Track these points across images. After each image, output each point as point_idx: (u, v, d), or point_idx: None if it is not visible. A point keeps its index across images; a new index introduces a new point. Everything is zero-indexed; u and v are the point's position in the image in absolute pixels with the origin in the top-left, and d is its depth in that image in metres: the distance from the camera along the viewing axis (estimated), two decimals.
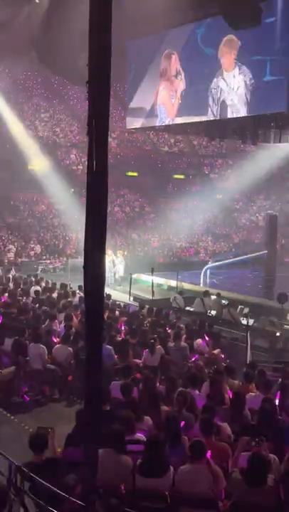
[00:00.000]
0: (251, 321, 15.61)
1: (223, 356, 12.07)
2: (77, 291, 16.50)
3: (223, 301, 18.43)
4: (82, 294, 14.78)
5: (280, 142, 24.09)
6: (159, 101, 22.77)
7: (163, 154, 44.59)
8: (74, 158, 39.07)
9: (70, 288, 17.69)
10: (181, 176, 43.74)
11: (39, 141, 37.34)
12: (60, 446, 6.16)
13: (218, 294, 19.12)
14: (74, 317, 12.89)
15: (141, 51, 23.45)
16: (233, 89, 19.04)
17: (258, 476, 5.03)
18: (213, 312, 17.76)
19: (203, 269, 25.69)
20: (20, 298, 15.60)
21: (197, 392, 8.16)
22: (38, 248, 31.31)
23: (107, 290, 19.52)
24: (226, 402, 7.81)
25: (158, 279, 24.00)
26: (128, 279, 22.11)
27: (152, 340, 10.78)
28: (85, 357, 4.59)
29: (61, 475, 5.45)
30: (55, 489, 4.72)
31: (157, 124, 23.27)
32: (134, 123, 24.96)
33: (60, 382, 10.53)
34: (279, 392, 8.33)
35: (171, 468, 5.44)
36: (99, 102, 4.26)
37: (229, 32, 16.78)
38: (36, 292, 16.28)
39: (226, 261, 28.08)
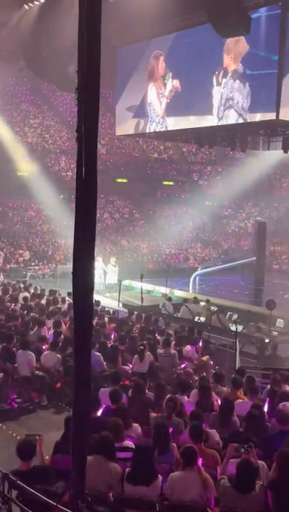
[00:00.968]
0: (240, 328, 15.64)
1: (212, 363, 12.08)
2: (67, 297, 16.46)
3: (212, 308, 18.47)
4: (71, 301, 14.74)
5: (268, 149, 24.31)
6: (148, 100, 22.97)
7: (152, 161, 44.69)
8: (63, 165, 39.04)
9: (59, 294, 17.63)
10: (171, 183, 43.85)
11: (28, 147, 37.31)
12: (49, 454, 6.13)
13: (207, 301, 19.17)
14: (63, 323, 12.85)
15: (130, 56, 23.61)
16: (226, 91, 19.22)
17: (246, 483, 5.03)
18: (202, 318, 17.80)
19: (193, 276, 25.74)
20: (9, 304, 15.52)
21: (186, 398, 8.16)
22: (26, 254, 31.19)
23: (97, 297, 19.56)
24: (215, 408, 7.82)
25: (149, 286, 24.04)
26: (122, 285, 22.10)
27: (141, 347, 10.77)
28: (74, 363, 4.57)
29: (49, 483, 5.42)
30: (43, 497, 4.68)
31: (148, 124, 23.38)
32: (124, 126, 25.08)
33: (49, 389, 10.48)
34: (268, 398, 8.36)
35: (160, 476, 5.43)
36: (88, 109, 4.26)
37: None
38: (25, 298, 16.22)
39: (215, 267, 28.13)
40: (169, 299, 19.65)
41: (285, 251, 38.23)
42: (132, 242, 36.60)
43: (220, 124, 19.90)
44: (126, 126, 25.07)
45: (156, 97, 22.54)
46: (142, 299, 19.63)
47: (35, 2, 23.51)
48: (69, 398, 9.70)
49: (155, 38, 22.10)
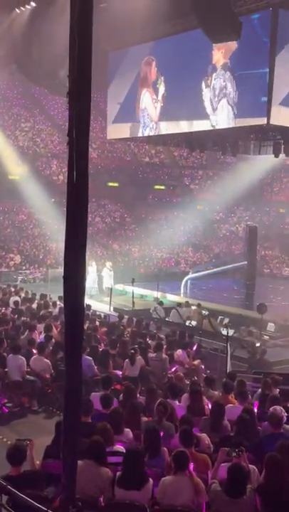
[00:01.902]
0: (231, 332, 15.67)
1: (203, 367, 12.09)
2: (58, 301, 16.42)
3: (204, 312, 18.50)
4: (62, 305, 14.71)
5: (259, 154, 24.42)
6: (141, 106, 23.00)
7: (144, 165, 44.73)
8: (54, 168, 39.00)
9: (50, 298, 17.59)
10: (162, 187, 43.89)
11: (19, 150, 37.25)
12: (39, 459, 6.10)
13: (198, 305, 19.19)
14: (54, 328, 12.81)
15: (121, 60, 23.69)
16: (217, 95, 19.29)
17: (237, 487, 5.02)
18: (194, 322, 17.82)
19: (184, 280, 25.75)
20: None
21: (177, 402, 8.15)
22: (17, 258, 31.09)
23: (92, 302, 19.54)
24: (206, 412, 7.82)
25: (142, 290, 24.03)
26: (117, 289, 22.07)
27: (132, 351, 10.76)
28: (65, 368, 4.56)
29: (40, 488, 5.39)
30: (33, 502, 4.66)
31: (140, 129, 23.43)
32: (116, 130, 25.13)
33: (40, 394, 10.44)
34: (257, 401, 8.37)
35: (151, 480, 5.42)
36: (79, 113, 4.26)
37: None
38: (16, 303, 16.17)
39: (207, 272, 28.16)
40: (161, 303, 19.65)
41: (275, 255, 38.37)
42: (124, 246, 36.59)
43: (213, 123, 19.89)
44: (117, 130, 25.10)
45: (151, 102, 22.59)
46: (133, 303, 19.62)
47: (26, 6, 23.48)
48: (60, 403, 9.67)
49: (146, 43, 22.16)
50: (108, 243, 36.28)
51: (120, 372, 10.57)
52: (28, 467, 5.62)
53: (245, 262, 23.12)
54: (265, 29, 17.36)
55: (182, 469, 5.37)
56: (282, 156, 21.73)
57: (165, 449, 6.19)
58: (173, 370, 11.18)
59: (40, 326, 13.05)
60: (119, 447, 6.18)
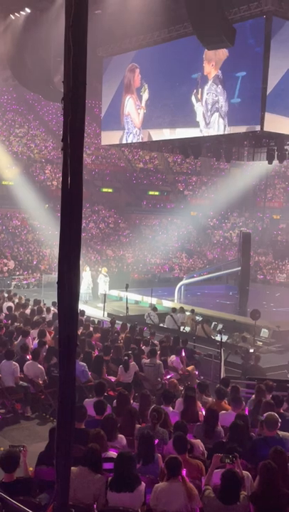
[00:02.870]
0: (225, 338, 15.68)
1: (197, 373, 12.08)
2: (51, 307, 16.39)
3: (197, 318, 18.50)
4: (56, 310, 14.69)
5: (253, 160, 24.51)
6: (125, 112, 23.15)
7: (138, 171, 44.80)
8: (49, 174, 38.99)
9: (44, 304, 17.56)
10: (156, 193, 43.95)
11: (13, 156, 37.25)
12: (33, 465, 6.07)
13: (192, 311, 19.19)
14: (47, 333, 12.78)
15: (115, 66, 23.81)
16: (210, 110, 19.39)
17: (230, 494, 5.01)
18: (187, 328, 17.81)
19: (178, 286, 25.76)
20: None
21: (171, 408, 8.14)
22: (11, 264, 31.01)
23: (87, 307, 19.53)
24: (200, 418, 7.81)
25: (137, 296, 24.03)
26: (112, 295, 22.01)
27: (126, 357, 10.75)
28: (58, 374, 4.55)
29: (33, 494, 5.37)
30: (26, 509, 4.64)
31: (124, 136, 23.56)
32: (110, 135, 25.21)
33: (33, 400, 10.40)
34: (247, 408, 8.37)
35: (143, 483, 5.40)
36: (74, 119, 4.27)
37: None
38: (9, 308, 16.11)
39: (200, 277, 28.16)
40: (154, 309, 19.64)
41: (269, 261, 38.44)
42: (117, 251, 36.57)
43: (204, 133, 20.02)
44: (111, 136, 25.16)
45: (134, 108, 22.70)
46: (127, 308, 19.61)
47: (21, 12, 23.56)
48: (53, 409, 9.63)
49: (140, 49, 22.25)
50: (102, 249, 36.26)
51: (114, 378, 10.56)
52: (21, 474, 5.59)
53: (239, 268, 23.12)
54: (257, 36, 17.46)
55: (175, 475, 5.36)
56: (275, 162, 21.83)
57: (159, 455, 6.18)
58: (168, 377, 11.17)
59: (34, 332, 13.01)
60: (113, 453, 6.16)
